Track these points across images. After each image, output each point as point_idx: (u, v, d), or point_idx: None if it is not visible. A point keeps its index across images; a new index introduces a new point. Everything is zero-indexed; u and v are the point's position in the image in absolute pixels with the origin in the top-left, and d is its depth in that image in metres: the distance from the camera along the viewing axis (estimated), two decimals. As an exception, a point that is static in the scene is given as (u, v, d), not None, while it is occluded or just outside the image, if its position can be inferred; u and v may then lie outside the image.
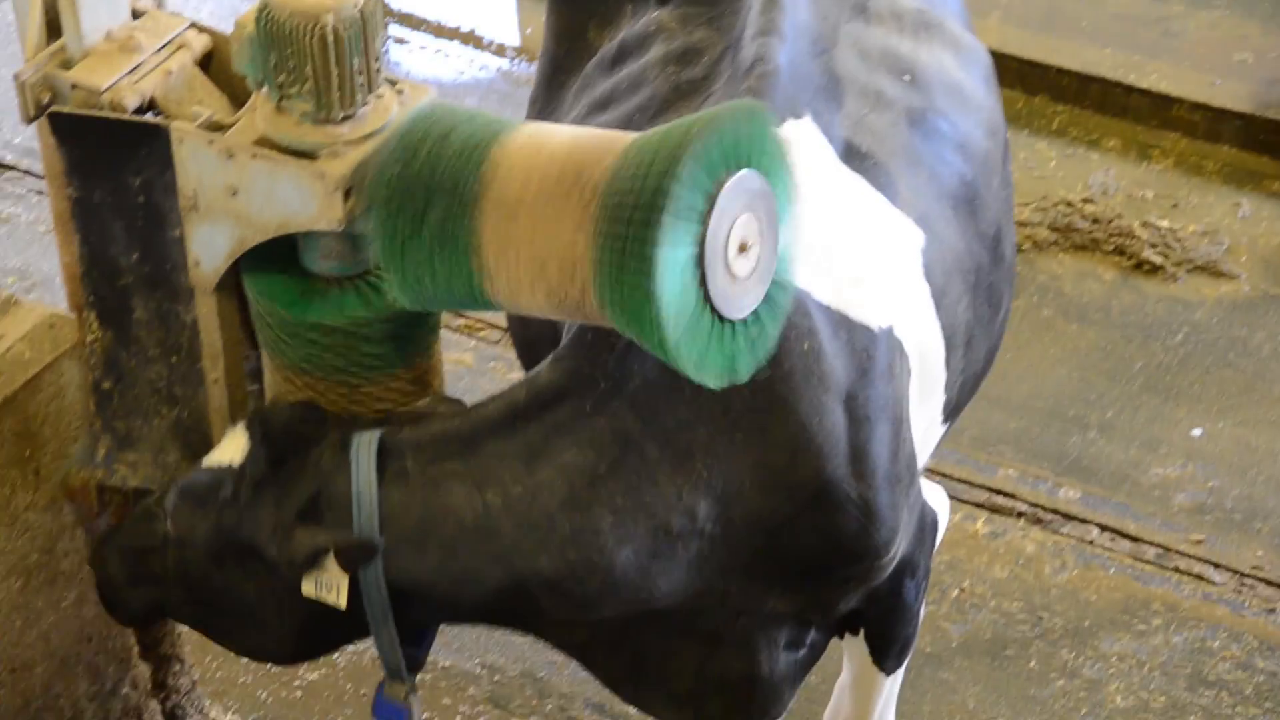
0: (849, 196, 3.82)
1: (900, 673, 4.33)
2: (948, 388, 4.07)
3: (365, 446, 3.69)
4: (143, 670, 4.59)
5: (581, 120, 4.13)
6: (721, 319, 3.35)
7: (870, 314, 3.75)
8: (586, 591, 3.67)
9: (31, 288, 6.03)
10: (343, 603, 3.65)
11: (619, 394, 3.62)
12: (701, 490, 3.61)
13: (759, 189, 3.35)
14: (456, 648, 5.38)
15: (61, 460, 4.18)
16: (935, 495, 4.18)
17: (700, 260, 3.29)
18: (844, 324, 3.71)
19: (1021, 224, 6.41)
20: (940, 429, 4.20)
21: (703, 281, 3.31)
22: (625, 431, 3.61)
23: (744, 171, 3.31)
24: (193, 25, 3.94)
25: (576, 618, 3.76)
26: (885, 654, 4.13)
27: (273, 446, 3.74)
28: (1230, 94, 6.87)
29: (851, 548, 3.74)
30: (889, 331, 3.78)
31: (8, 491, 4.10)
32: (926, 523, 4.06)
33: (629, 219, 3.25)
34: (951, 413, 4.22)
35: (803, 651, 3.90)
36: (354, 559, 3.67)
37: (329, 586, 3.69)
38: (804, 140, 3.79)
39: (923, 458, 4.09)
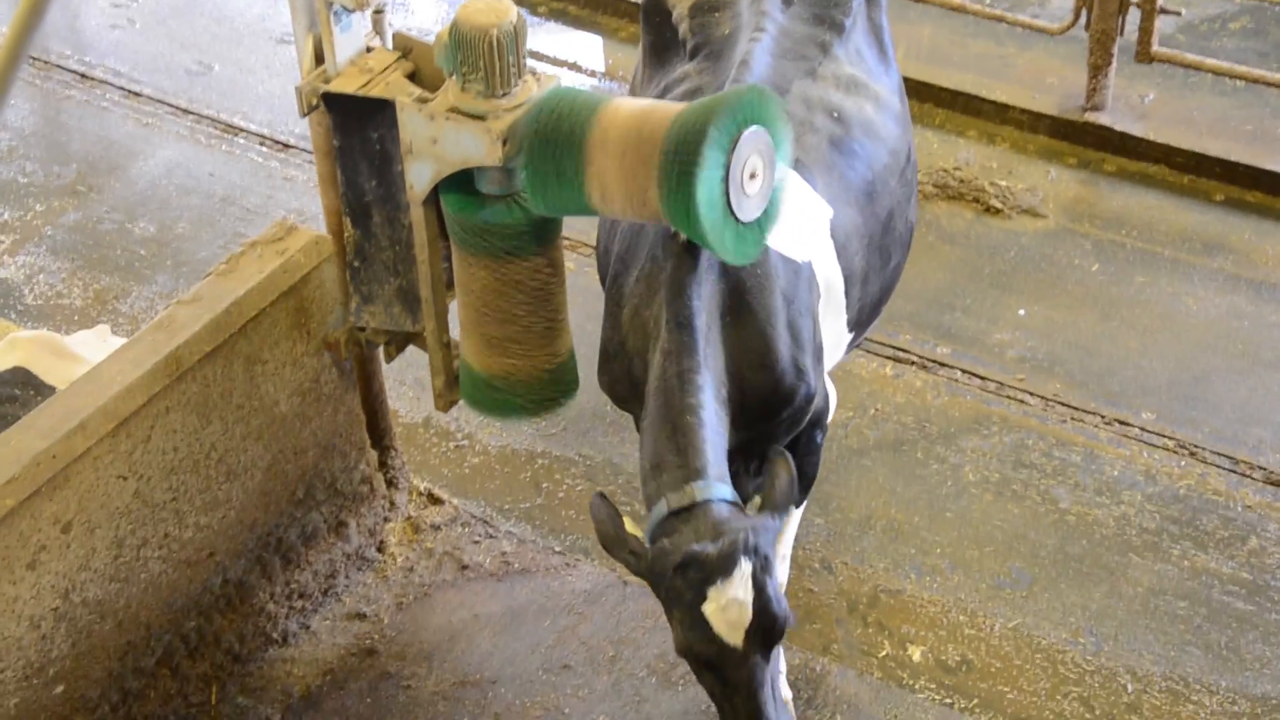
0: (786, 180, 3.79)
1: (803, 509, 4.61)
2: (848, 309, 4.24)
3: None
4: (372, 455, 5.08)
5: None
6: (738, 220, 3.49)
7: (795, 253, 3.99)
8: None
9: (305, 220, 5.88)
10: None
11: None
12: (725, 361, 3.80)
13: (763, 138, 3.48)
14: (561, 440, 5.70)
15: (322, 326, 4.62)
16: (831, 387, 4.39)
17: (726, 180, 3.43)
18: (782, 256, 3.95)
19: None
20: (848, 337, 4.32)
21: (727, 194, 3.44)
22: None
23: (754, 126, 3.45)
24: (402, 56, 4.16)
25: None
26: (799, 488, 4.09)
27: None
28: (1044, 103, 7.17)
29: (788, 395, 3.93)
30: (809, 264, 4.02)
31: (290, 344, 4.56)
32: (828, 395, 4.31)
33: (682, 153, 3.40)
34: (857, 326, 4.34)
35: (758, 479, 4.08)
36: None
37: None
38: None
39: (835, 356, 4.29)
